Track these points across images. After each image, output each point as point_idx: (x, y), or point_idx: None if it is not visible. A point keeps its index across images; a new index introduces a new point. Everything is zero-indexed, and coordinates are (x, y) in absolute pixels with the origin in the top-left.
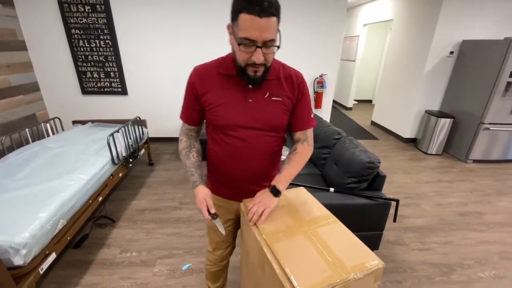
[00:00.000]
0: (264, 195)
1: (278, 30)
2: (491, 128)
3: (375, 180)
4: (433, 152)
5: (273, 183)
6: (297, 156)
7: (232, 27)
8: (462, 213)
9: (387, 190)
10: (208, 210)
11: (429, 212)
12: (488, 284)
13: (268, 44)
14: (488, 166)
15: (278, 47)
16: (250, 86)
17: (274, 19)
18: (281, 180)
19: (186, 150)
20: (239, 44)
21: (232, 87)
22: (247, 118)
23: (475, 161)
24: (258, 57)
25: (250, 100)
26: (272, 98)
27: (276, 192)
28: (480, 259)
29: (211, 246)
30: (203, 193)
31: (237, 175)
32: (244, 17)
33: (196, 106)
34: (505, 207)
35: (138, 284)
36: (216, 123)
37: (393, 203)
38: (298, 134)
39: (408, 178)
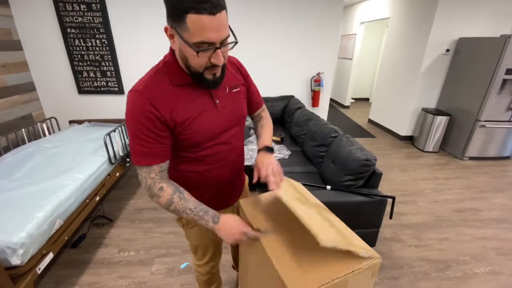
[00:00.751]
0: (265, 159)
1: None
2: (487, 125)
3: (372, 177)
4: (430, 150)
5: (262, 144)
6: (266, 120)
7: (177, 31)
8: (459, 209)
9: (384, 188)
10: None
11: (426, 209)
12: (484, 280)
13: (225, 42)
14: (484, 163)
15: (237, 42)
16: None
17: (224, 11)
18: (267, 140)
19: (177, 195)
20: (197, 51)
21: (196, 95)
22: (223, 121)
23: (471, 158)
24: (219, 59)
25: (218, 101)
26: (233, 91)
27: (271, 151)
28: (476, 255)
29: (204, 258)
30: (235, 220)
31: (228, 181)
32: (193, 18)
33: (163, 135)
34: (501, 204)
35: (136, 283)
36: (195, 139)
37: (390, 200)
38: (257, 112)
39: (405, 175)
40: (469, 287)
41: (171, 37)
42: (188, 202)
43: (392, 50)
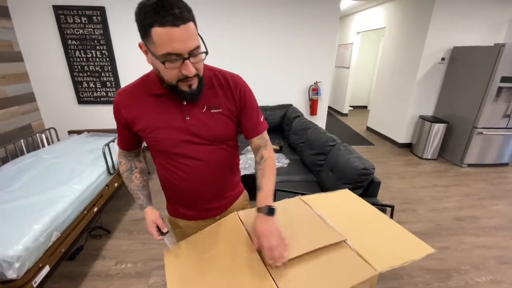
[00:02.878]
0: (264, 227)
1: (199, 35)
2: (484, 133)
3: (370, 186)
4: (428, 157)
5: (263, 202)
6: (269, 165)
7: (146, 45)
8: (458, 217)
9: (383, 196)
10: (160, 229)
11: (425, 217)
12: None
13: (194, 52)
14: (483, 170)
15: (207, 53)
16: (184, 102)
17: (191, 24)
18: (268, 197)
19: (128, 173)
20: (163, 62)
21: (165, 108)
22: (189, 137)
23: (470, 165)
24: (189, 69)
25: (188, 118)
26: (211, 111)
27: (272, 212)
28: (477, 264)
29: None
30: (151, 215)
31: (199, 196)
32: (158, 31)
33: (127, 133)
34: (500, 211)
35: None
36: (159, 147)
37: (389, 209)
38: (255, 140)
39: (404, 183)
40: None
41: (145, 52)
42: (131, 183)
43: (389, 59)
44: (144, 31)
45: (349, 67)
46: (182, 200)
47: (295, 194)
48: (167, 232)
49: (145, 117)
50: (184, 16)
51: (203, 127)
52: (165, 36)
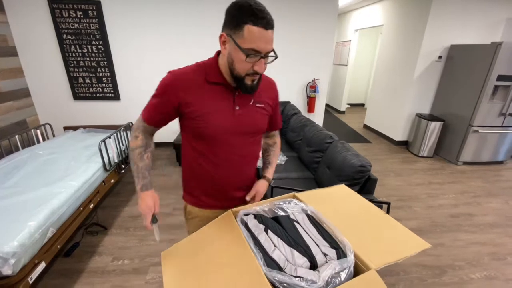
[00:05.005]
0: (263, 187)
1: None
2: (480, 131)
3: (367, 183)
4: (425, 155)
5: (269, 175)
6: (278, 149)
7: (232, 37)
8: (453, 214)
9: (380, 193)
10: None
11: (421, 214)
12: (480, 285)
13: (268, 54)
14: (478, 168)
15: (277, 57)
16: (236, 93)
17: (273, 31)
18: (272, 172)
19: (141, 150)
20: (246, 55)
21: (219, 95)
22: (235, 126)
23: (465, 163)
24: (261, 67)
25: (238, 108)
26: (257, 105)
27: (270, 183)
28: (471, 260)
29: None
30: (152, 198)
31: (227, 184)
32: (251, 29)
33: (168, 112)
34: (494, 208)
35: None
36: (204, 132)
37: (385, 206)
38: (273, 132)
39: (400, 180)
40: None
41: (223, 43)
42: (141, 161)
43: (386, 57)
44: (237, 25)
45: (347, 65)
46: (209, 188)
47: (291, 190)
48: (156, 221)
49: (199, 101)
50: (272, 23)
51: (249, 118)
52: (256, 34)
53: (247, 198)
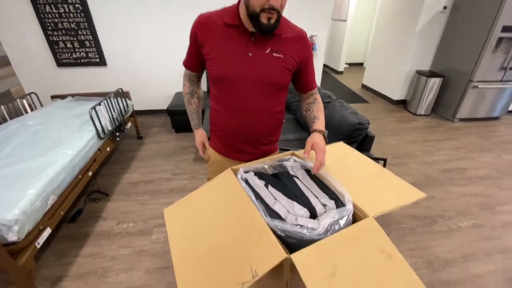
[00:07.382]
0: (322, 143)
1: None
2: (479, 86)
3: (365, 141)
4: (422, 113)
5: (320, 127)
6: (321, 104)
7: None
8: (446, 169)
9: (376, 151)
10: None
11: (416, 170)
12: (467, 233)
13: None
14: (474, 124)
15: None
16: (252, 39)
17: None
18: (323, 125)
19: (189, 96)
20: None
21: (233, 39)
22: (245, 73)
23: (461, 119)
24: (277, 1)
25: (250, 54)
26: (274, 54)
27: (325, 136)
28: (461, 210)
29: None
30: (201, 135)
31: (238, 136)
32: None
33: (197, 54)
34: (487, 162)
35: (137, 251)
36: (212, 74)
37: (381, 162)
38: (309, 93)
39: (397, 139)
40: (453, 239)
41: None
42: (189, 106)
43: (388, 10)
44: None
45: (346, 20)
46: (220, 134)
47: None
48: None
49: (212, 43)
50: None
51: (261, 66)
52: None
53: (305, 155)
